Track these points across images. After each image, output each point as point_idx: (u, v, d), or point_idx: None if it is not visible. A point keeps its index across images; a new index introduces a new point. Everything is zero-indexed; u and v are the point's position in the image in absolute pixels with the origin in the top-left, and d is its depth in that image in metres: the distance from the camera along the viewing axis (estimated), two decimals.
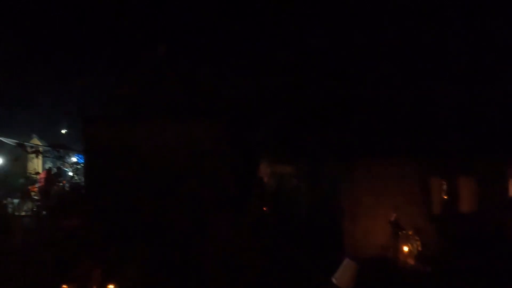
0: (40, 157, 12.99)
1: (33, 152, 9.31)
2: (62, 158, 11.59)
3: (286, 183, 9.00)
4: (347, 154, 7.04)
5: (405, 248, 6.33)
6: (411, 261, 6.26)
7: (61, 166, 13.54)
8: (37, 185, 10.48)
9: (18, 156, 12.41)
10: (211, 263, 5.44)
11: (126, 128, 7.63)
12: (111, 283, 4.91)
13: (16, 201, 9.55)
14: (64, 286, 4.88)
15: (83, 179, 9.25)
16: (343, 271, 3.77)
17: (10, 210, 8.67)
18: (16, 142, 11.59)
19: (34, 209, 8.69)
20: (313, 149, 7.84)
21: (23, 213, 8.57)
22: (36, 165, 14.16)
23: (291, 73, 9.31)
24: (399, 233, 6.44)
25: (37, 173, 11.36)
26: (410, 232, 6.41)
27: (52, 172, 11.02)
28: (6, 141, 12.64)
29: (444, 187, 7.41)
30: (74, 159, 14.66)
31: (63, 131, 20.42)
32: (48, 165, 13.80)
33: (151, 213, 6.74)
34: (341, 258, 4.08)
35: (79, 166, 12.90)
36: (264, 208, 8.00)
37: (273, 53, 10.15)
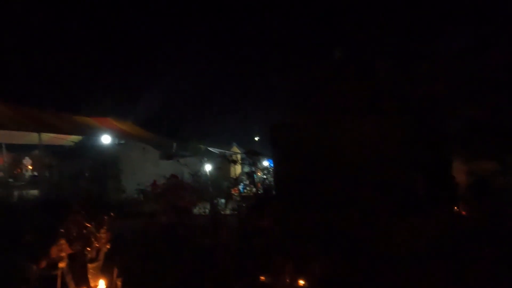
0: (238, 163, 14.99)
1: (232, 161, 10.80)
2: (255, 163, 13.04)
3: (489, 183, 7.73)
4: None
5: None
6: None
7: (254, 170, 15.23)
8: (240, 187, 12.14)
9: (222, 163, 14.61)
10: (395, 270, 5.17)
11: (308, 131, 8.05)
12: (301, 277, 5.28)
13: (222, 201, 11.29)
14: (262, 277, 5.51)
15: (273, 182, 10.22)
16: None
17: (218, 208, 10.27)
18: (218, 151, 13.75)
19: (236, 208, 10.11)
20: None
21: (227, 212, 10.01)
22: (236, 170, 16.32)
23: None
24: None
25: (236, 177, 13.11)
26: None
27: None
28: (213, 150, 15.22)
29: None
30: (265, 164, 16.32)
31: (256, 138, 23.03)
32: (246, 169, 15.80)
33: (334, 213, 6.87)
34: None
35: (270, 170, 14.28)
36: (463, 212, 7.09)
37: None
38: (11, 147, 21.31)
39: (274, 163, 9.32)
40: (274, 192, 9.23)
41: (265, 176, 14.54)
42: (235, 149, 18.91)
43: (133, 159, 15.25)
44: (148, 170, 13.94)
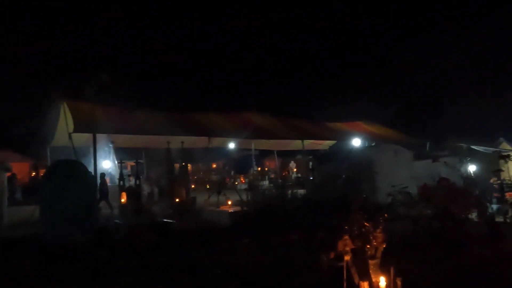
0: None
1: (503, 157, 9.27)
2: None
3: None
4: None
5: None
6: None
7: None
8: None
9: (491, 163, 12.73)
10: None
11: None
12: None
13: (493, 206, 9.80)
14: None
15: None
16: None
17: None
18: (483, 149, 11.95)
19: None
20: None
21: (500, 219, 8.59)
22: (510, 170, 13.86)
23: None
24: None
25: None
26: None
27: None
28: (477, 148, 13.41)
29: None
30: None
31: None
32: None
33: None
34: None
35: None
36: None
37: None
38: (279, 153, 25.60)
39: None
40: None
41: None
42: (505, 145, 16.01)
43: (384, 161, 15.27)
44: (401, 171, 13.65)
